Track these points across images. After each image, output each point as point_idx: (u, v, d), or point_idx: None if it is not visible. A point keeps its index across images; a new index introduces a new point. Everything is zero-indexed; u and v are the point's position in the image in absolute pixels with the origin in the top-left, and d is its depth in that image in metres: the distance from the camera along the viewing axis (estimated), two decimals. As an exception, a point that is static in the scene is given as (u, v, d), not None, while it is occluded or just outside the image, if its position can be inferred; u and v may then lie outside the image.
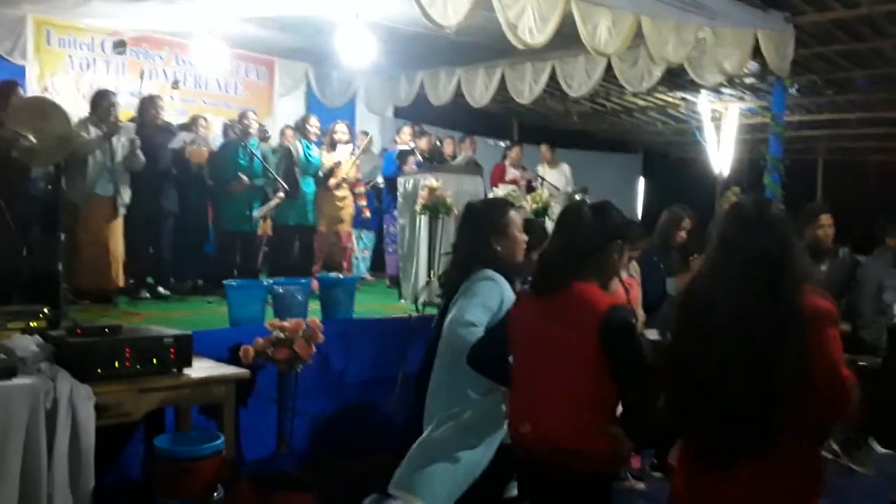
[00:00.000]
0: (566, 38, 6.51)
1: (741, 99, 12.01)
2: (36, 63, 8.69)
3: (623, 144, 17.17)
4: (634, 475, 5.46)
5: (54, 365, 3.75)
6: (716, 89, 11.02)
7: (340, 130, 8.41)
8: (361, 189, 8.84)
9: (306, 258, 8.07)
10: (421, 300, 6.50)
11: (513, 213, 3.73)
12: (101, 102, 6.91)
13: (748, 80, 10.68)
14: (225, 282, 5.84)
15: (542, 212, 7.71)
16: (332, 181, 8.14)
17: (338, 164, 8.15)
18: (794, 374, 2.28)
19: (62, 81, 8.90)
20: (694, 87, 10.55)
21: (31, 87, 8.51)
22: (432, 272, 6.68)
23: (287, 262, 7.80)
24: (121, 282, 6.90)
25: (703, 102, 12.05)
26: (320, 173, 8.10)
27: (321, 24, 7.56)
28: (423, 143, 8.86)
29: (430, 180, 6.81)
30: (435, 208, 6.73)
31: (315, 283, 6.44)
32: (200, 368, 4.22)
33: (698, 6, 6.99)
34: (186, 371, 4.10)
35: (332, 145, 8.35)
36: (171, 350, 4.03)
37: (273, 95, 10.64)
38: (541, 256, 3.07)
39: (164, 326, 4.48)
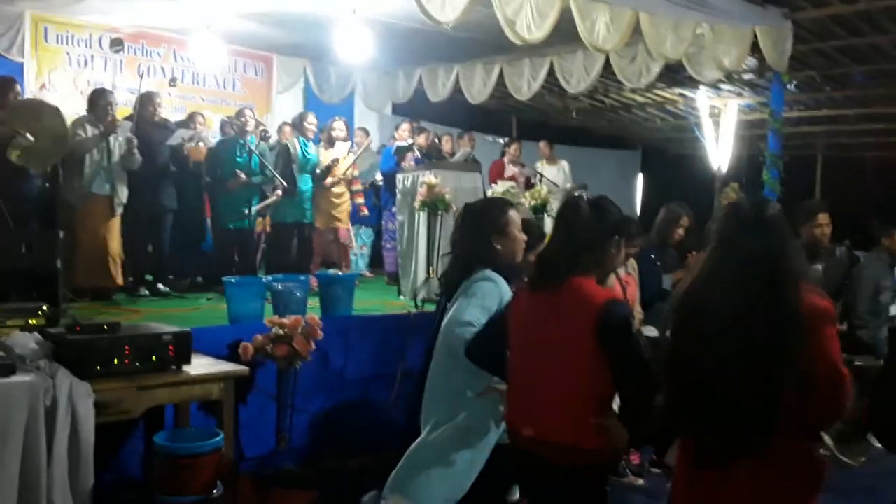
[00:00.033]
0: (564, 34, 6.50)
1: (739, 95, 12.01)
2: (34, 60, 8.68)
3: (621, 141, 17.17)
4: (634, 472, 5.47)
5: (53, 362, 3.74)
6: (714, 85, 11.02)
7: (338, 127, 8.40)
8: (358, 187, 8.83)
9: (304, 256, 8.06)
10: (420, 297, 6.50)
11: (512, 213, 3.74)
12: (99, 101, 6.90)
13: (746, 77, 10.68)
14: (224, 279, 5.83)
15: (541, 208, 7.71)
16: (329, 180, 8.12)
17: (335, 162, 8.13)
18: (795, 374, 2.29)
19: (60, 78, 8.89)
20: (692, 83, 10.55)
21: (29, 84, 8.51)
22: (431, 269, 6.67)
23: (285, 260, 7.79)
24: (119, 280, 6.90)
25: (702, 99, 12.05)
26: (317, 171, 8.09)
27: (319, 20, 7.55)
28: (421, 139, 8.85)
29: (429, 177, 6.80)
30: (434, 205, 6.72)
31: (314, 280, 6.44)
32: (199, 365, 4.22)
33: (696, 2, 6.98)
34: (185, 368, 4.09)
35: (330, 142, 8.34)
36: (171, 347, 4.02)
37: (271, 92, 10.63)
38: (540, 253, 3.07)
39: (163, 323, 4.48)
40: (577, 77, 9.06)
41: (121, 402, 3.83)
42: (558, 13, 6.12)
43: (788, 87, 9.88)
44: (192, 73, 9.83)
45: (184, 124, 8.05)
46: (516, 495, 3.76)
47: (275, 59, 10.50)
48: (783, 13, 7.92)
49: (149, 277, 7.39)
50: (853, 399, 2.39)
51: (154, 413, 4.43)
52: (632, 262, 5.24)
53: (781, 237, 2.48)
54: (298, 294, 5.58)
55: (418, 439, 3.66)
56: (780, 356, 2.30)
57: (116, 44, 7.74)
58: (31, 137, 6.03)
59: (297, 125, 8.30)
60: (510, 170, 9.52)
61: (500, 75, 9.84)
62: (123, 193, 6.89)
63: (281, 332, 4.90)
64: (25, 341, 3.82)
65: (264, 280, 5.99)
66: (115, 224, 6.87)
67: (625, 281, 5.02)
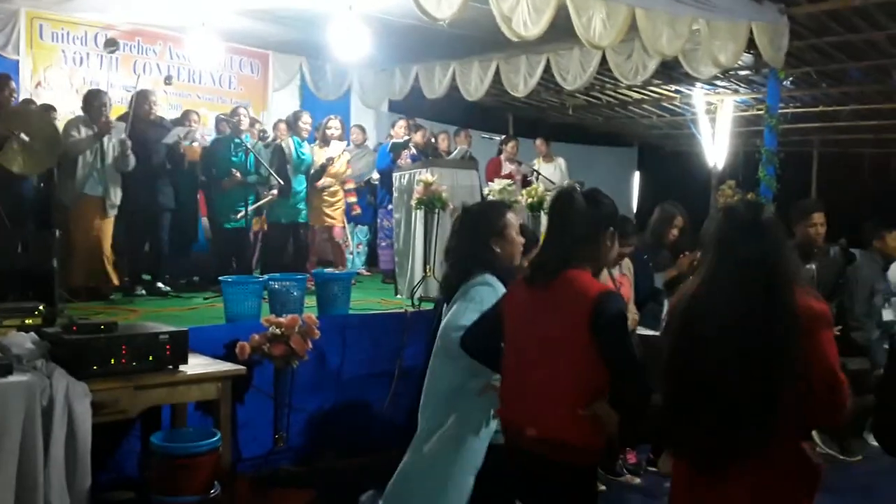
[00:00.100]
0: (560, 30, 6.50)
1: (736, 91, 12.01)
2: (29, 58, 8.66)
3: (618, 138, 17.17)
4: (631, 471, 5.48)
5: (50, 362, 3.74)
6: (710, 82, 11.02)
7: (333, 126, 8.38)
8: (351, 185, 8.80)
9: (300, 255, 8.05)
10: (417, 295, 6.49)
11: (510, 216, 3.73)
12: (93, 102, 6.88)
13: (742, 73, 10.68)
14: (221, 278, 5.83)
15: (538, 206, 7.69)
16: (322, 181, 8.10)
17: (330, 161, 8.11)
18: (793, 374, 2.29)
19: (55, 76, 8.87)
20: (688, 79, 10.55)
21: (25, 82, 8.49)
22: (428, 267, 6.67)
23: (281, 260, 7.78)
24: (114, 280, 6.88)
25: (698, 95, 12.05)
26: (312, 170, 8.07)
27: (315, 16, 7.53)
28: (418, 137, 8.84)
29: (426, 175, 6.79)
30: (430, 203, 6.71)
31: (310, 280, 6.42)
32: (196, 365, 4.21)
33: (693, -2, 6.99)
34: (182, 368, 4.09)
35: (325, 141, 8.33)
36: (167, 347, 4.02)
37: (267, 89, 10.60)
38: (530, 240, 3.07)
39: (159, 323, 4.48)
40: (574, 74, 9.05)
41: (117, 401, 3.83)
42: (554, 10, 6.12)
43: (784, 83, 9.88)
44: (188, 71, 9.81)
45: (179, 122, 8.03)
46: None
47: (271, 56, 10.47)
48: (779, 9, 7.91)
49: (146, 277, 7.38)
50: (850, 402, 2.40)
51: (151, 413, 4.44)
52: (626, 262, 5.23)
53: (777, 240, 2.50)
54: (295, 293, 5.57)
55: (412, 445, 3.63)
56: (779, 357, 2.31)
57: (111, 44, 7.71)
58: (25, 137, 6.03)
59: (292, 125, 8.28)
60: (507, 167, 9.50)
61: (497, 72, 9.83)
62: (116, 195, 6.87)
63: (278, 331, 4.90)
64: (22, 341, 3.81)
65: (261, 279, 5.98)
66: (108, 225, 6.86)
67: (619, 281, 5.02)
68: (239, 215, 7.54)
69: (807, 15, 8.19)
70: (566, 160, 10.37)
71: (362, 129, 10.17)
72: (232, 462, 4.61)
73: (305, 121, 8.10)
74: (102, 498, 4.31)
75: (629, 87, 11.92)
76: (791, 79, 10.36)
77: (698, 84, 11.32)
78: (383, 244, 8.89)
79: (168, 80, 8.52)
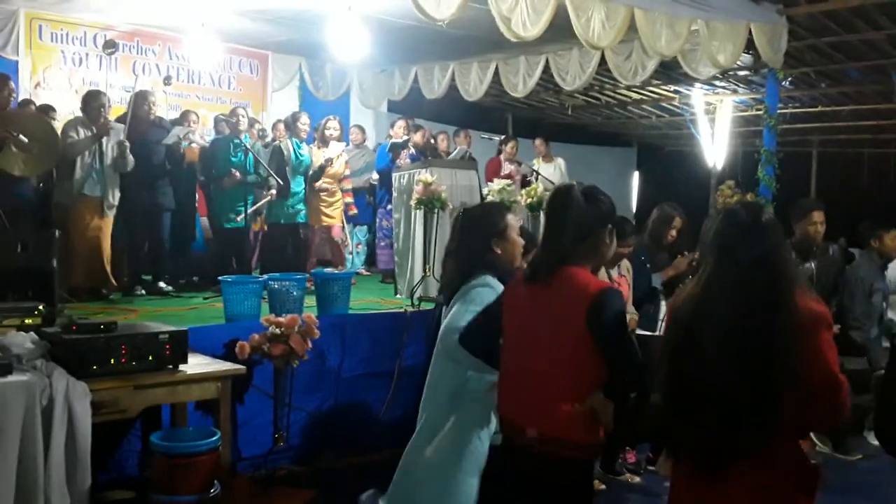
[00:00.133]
0: (560, 30, 6.51)
1: (735, 92, 12.02)
2: (28, 58, 8.68)
3: (617, 138, 17.19)
4: (630, 470, 5.48)
5: (50, 362, 3.74)
6: (709, 82, 11.03)
7: (332, 127, 8.37)
8: (347, 185, 8.81)
9: (300, 255, 8.05)
10: (417, 295, 6.49)
11: (511, 217, 3.73)
12: (92, 103, 6.88)
13: (741, 73, 10.69)
14: (220, 278, 5.83)
15: (537, 206, 7.69)
16: (320, 183, 8.10)
17: (329, 162, 8.11)
18: (793, 376, 2.30)
19: (54, 76, 8.89)
20: (687, 79, 10.57)
21: (24, 82, 8.51)
22: (428, 267, 6.67)
23: (280, 261, 7.78)
24: (113, 280, 6.89)
25: (697, 95, 12.06)
26: (311, 171, 8.07)
27: (314, 17, 7.54)
28: (417, 137, 8.84)
29: (425, 175, 6.79)
30: (430, 203, 6.71)
31: (310, 279, 6.43)
32: (196, 365, 4.22)
33: (691, -1, 7.00)
34: (182, 367, 4.09)
35: (324, 141, 8.32)
36: (167, 346, 4.02)
37: (267, 90, 10.62)
38: (529, 242, 3.07)
39: (159, 323, 4.48)
40: (573, 74, 9.07)
41: (117, 401, 3.83)
42: (553, 10, 6.12)
43: (783, 83, 9.89)
44: (188, 71, 9.83)
45: (178, 123, 8.03)
46: None
47: (270, 56, 10.48)
48: (778, 9, 7.93)
49: (146, 277, 7.38)
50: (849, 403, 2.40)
51: (151, 412, 4.44)
52: (625, 263, 5.22)
53: (777, 242, 2.51)
54: (295, 293, 5.57)
55: (412, 448, 3.62)
56: (779, 357, 2.32)
57: (110, 46, 7.71)
58: (24, 139, 6.04)
59: (290, 126, 8.27)
60: (507, 168, 9.51)
61: (496, 72, 9.85)
62: (115, 196, 6.88)
63: (277, 330, 4.90)
64: (22, 341, 3.81)
65: (261, 279, 5.98)
66: (107, 225, 6.86)
67: (617, 282, 5.02)
68: (239, 216, 7.54)
69: (805, 15, 8.21)
70: (565, 160, 10.38)
71: (362, 130, 10.17)
72: (232, 461, 4.62)
73: (304, 122, 8.09)
74: (102, 497, 4.32)
75: (628, 88, 11.94)
76: (790, 79, 10.37)
77: (697, 84, 11.34)
78: (382, 244, 8.89)
79: (167, 81, 8.52)
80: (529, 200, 7.78)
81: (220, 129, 8.37)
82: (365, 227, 9.76)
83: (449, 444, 3.49)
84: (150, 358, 3.97)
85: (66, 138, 6.67)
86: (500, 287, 3.47)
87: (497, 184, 7.72)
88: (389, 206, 8.43)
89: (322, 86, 10.73)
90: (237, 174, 7.53)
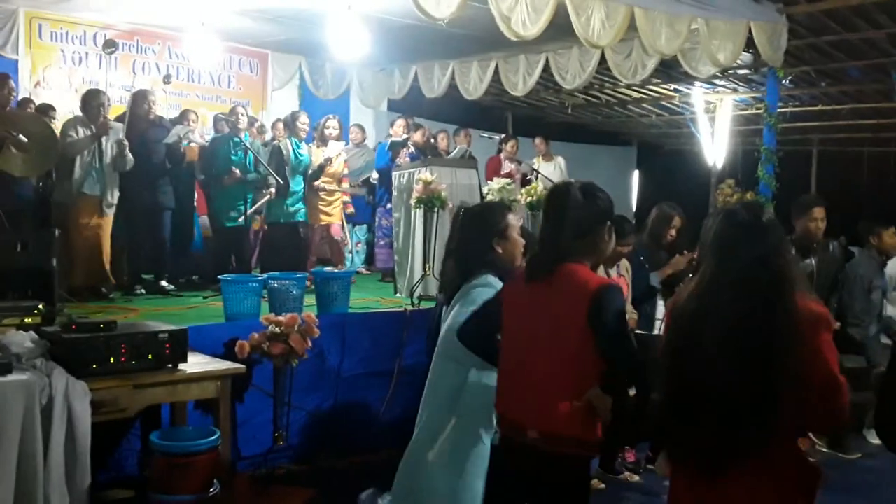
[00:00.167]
0: (560, 29, 6.51)
1: (734, 91, 12.02)
2: (28, 57, 8.69)
3: (617, 137, 17.20)
4: (630, 469, 5.48)
5: (50, 361, 3.74)
6: (709, 81, 11.03)
7: (331, 126, 8.36)
8: (346, 185, 8.81)
9: (300, 254, 8.04)
10: (417, 294, 6.49)
11: (511, 217, 3.74)
12: (91, 102, 6.87)
13: (741, 72, 10.69)
14: (220, 277, 5.83)
15: (537, 205, 7.69)
16: (319, 182, 8.10)
17: (328, 161, 8.10)
18: (793, 376, 2.30)
19: (54, 75, 8.89)
20: (687, 78, 10.57)
21: (24, 82, 8.51)
22: (428, 266, 6.67)
23: (280, 259, 7.77)
24: (113, 279, 6.89)
25: (697, 94, 12.06)
26: (310, 171, 8.06)
27: (314, 16, 7.54)
28: (417, 136, 8.84)
29: (425, 174, 6.79)
30: (430, 202, 6.71)
31: (310, 278, 6.42)
32: (196, 364, 4.22)
33: (691, -3, 7.00)
34: (182, 366, 4.09)
35: (323, 140, 8.31)
36: (167, 345, 4.02)
37: (266, 89, 10.61)
38: (529, 242, 3.07)
39: (159, 322, 4.48)
40: (573, 73, 9.07)
41: (117, 400, 3.83)
42: (553, 9, 6.12)
43: (783, 82, 9.89)
44: (187, 70, 9.83)
45: (177, 122, 8.03)
46: None
47: (270, 55, 10.48)
48: (777, 8, 7.92)
49: (146, 276, 7.38)
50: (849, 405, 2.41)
51: (150, 411, 4.44)
52: (624, 263, 5.21)
53: (778, 242, 2.51)
54: (295, 292, 5.57)
55: (413, 451, 3.62)
56: (780, 357, 2.32)
57: (109, 45, 7.71)
58: (24, 139, 6.03)
59: (290, 125, 8.26)
60: (507, 166, 9.51)
61: (496, 71, 9.85)
62: (114, 194, 6.88)
63: (277, 329, 4.90)
64: (21, 340, 3.81)
65: (260, 278, 5.98)
66: (107, 224, 6.86)
67: (615, 282, 5.01)
68: (239, 215, 7.54)
69: (805, 14, 8.21)
70: (565, 159, 10.38)
71: (361, 129, 10.16)
72: (231, 461, 4.62)
73: (303, 121, 8.08)
74: (102, 496, 4.32)
75: (628, 87, 11.94)
76: (790, 78, 10.37)
77: (697, 83, 11.33)
78: (381, 243, 8.89)
79: (167, 80, 8.52)
80: (529, 199, 7.79)
81: (220, 128, 8.36)
82: (364, 226, 9.76)
83: (452, 446, 3.48)
84: (150, 357, 3.97)
85: (66, 137, 6.67)
86: (500, 286, 3.48)
87: (497, 182, 7.72)
88: (389, 205, 8.43)
89: (322, 85, 10.73)
90: (237, 172, 7.53)
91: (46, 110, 7.74)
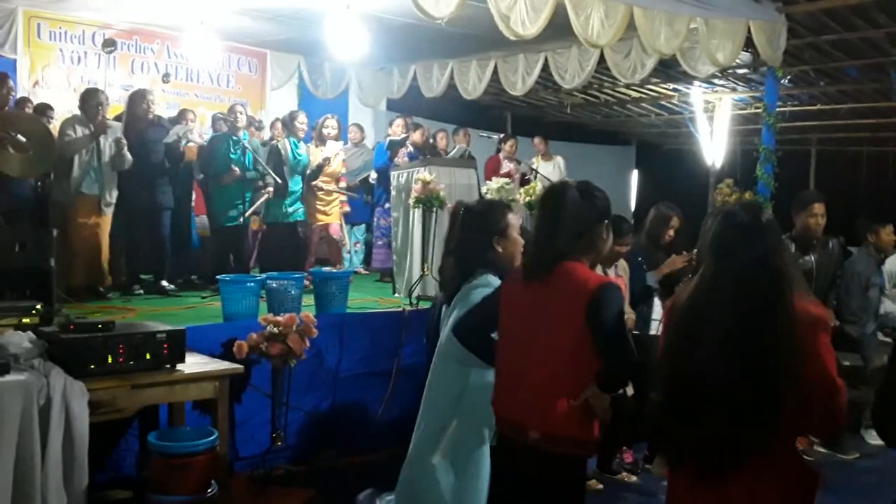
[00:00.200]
0: (558, 29, 6.50)
1: (734, 90, 12.02)
2: (27, 57, 8.67)
3: (616, 136, 17.20)
4: (628, 469, 5.48)
5: (47, 361, 3.73)
6: (708, 80, 11.03)
7: (330, 125, 8.34)
8: (343, 184, 8.80)
9: (298, 254, 8.04)
10: (415, 294, 6.49)
11: (512, 216, 3.74)
12: (90, 101, 6.87)
13: (740, 71, 10.69)
14: (218, 277, 5.82)
15: (536, 205, 7.67)
16: (318, 182, 8.09)
17: (327, 161, 8.09)
18: (793, 376, 2.31)
19: (53, 75, 8.88)
20: (686, 78, 10.56)
21: (22, 81, 8.50)
22: (426, 266, 6.66)
23: (279, 259, 7.77)
24: (111, 279, 6.88)
25: (696, 93, 12.06)
26: (308, 170, 8.05)
27: (313, 15, 7.52)
28: (417, 136, 8.83)
29: (424, 173, 6.78)
30: (429, 202, 6.70)
31: (308, 278, 6.42)
32: (194, 364, 4.21)
33: (690, -3, 7.00)
34: (180, 367, 4.09)
35: (322, 140, 8.30)
36: (165, 346, 4.01)
37: (265, 88, 10.60)
38: (529, 241, 3.07)
39: (157, 322, 4.47)
40: (572, 72, 9.07)
41: (115, 400, 3.82)
42: (552, 8, 6.12)
43: (782, 81, 9.90)
44: (186, 70, 9.82)
45: (175, 121, 8.02)
46: None
47: (269, 55, 10.47)
48: (777, 7, 7.92)
49: (144, 276, 7.37)
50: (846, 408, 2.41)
51: (148, 412, 4.44)
52: (622, 263, 5.20)
53: (777, 242, 2.52)
54: (293, 292, 5.57)
55: (416, 454, 3.61)
56: (780, 357, 2.32)
57: (109, 44, 7.72)
58: (22, 138, 6.02)
59: (288, 125, 8.25)
60: (506, 166, 9.51)
61: (495, 71, 9.85)
62: (112, 194, 6.87)
63: (275, 330, 4.90)
64: (19, 340, 3.81)
65: (259, 278, 5.98)
66: (106, 223, 6.86)
67: (615, 281, 5.00)
68: (238, 214, 7.53)
69: (804, 13, 8.20)
70: (564, 159, 10.38)
71: (360, 128, 10.14)
72: (229, 461, 4.62)
73: (301, 121, 8.07)
74: (100, 497, 4.31)
75: (627, 86, 11.93)
76: (789, 77, 10.38)
77: (696, 82, 11.33)
78: (379, 243, 8.89)
79: (166, 78, 8.52)
80: (528, 199, 7.78)
81: (218, 127, 8.35)
82: (363, 226, 9.75)
83: (455, 448, 3.48)
84: (148, 357, 3.96)
85: (64, 136, 6.67)
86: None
87: (496, 182, 7.72)
88: (387, 205, 8.43)
89: (321, 84, 10.72)
90: (237, 170, 7.53)
91: (44, 110, 7.73)
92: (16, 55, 8.55)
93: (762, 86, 9.94)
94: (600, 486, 5.22)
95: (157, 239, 7.28)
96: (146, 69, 9.39)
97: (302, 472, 5.27)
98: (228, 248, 7.72)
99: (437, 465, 3.49)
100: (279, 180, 7.65)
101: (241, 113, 7.88)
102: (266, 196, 7.81)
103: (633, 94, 12.94)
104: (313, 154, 8.13)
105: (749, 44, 7.89)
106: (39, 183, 6.93)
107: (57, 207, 6.69)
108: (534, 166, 9.64)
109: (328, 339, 5.52)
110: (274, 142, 8.37)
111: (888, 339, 6.36)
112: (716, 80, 11.38)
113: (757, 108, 11.42)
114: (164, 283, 7.22)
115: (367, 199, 9.53)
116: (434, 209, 6.71)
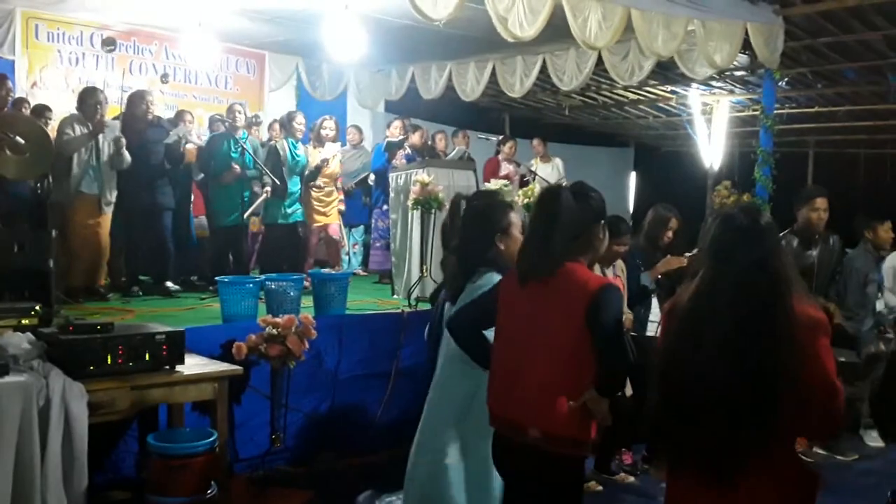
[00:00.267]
0: (557, 31, 6.51)
1: (731, 92, 12.03)
2: (25, 57, 8.65)
3: (614, 138, 17.20)
4: (626, 470, 5.48)
5: (46, 362, 3.74)
6: (706, 82, 11.04)
7: (328, 127, 8.32)
8: (339, 184, 8.79)
9: (297, 255, 8.04)
10: (414, 296, 6.49)
11: (513, 214, 3.74)
12: (88, 100, 6.87)
13: (738, 73, 10.70)
14: (217, 278, 5.82)
15: (534, 206, 7.69)
16: (318, 181, 8.09)
17: (325, 162, 8.09)
18: (793, 378, 2.31)
19: (51, 76, 8.87)
20: (684, 80, 10.57)
21: (20, 82, 8.49)
22: (425, 268, 6.66)
23: (279, 261, 7.78)
24: (110, 280, 6.88)
25: (694, 96, 12.07)
26: (307, 171, 8.05)
27: (311, 16, 7.53)
28: (416, 137, 8.84)
29: (422, 175, 6.79)
30: (427, 203, 6.71)
31: (307, 280, 6.42)
32: (193, 365, 4.21)
33: (688, -1, 7.01)
34: (179, 368, 4.09)
35: (320, 141, 8.30)
36: (164, 347, 4.02)
37: (263, 90, 10.59)
38: (524, 244, 3.07)
39: (156, 323, 4.48)
40: (570, 74, 9.08)
41: (114, 401, 3.82)
42: (550, 10, 6.12)
43: (780, 83, 9.91)
44: (184, 71, 9.81)
45: (173, 123, 8.02)
46: None
47: (267, 56, 10.46)
48: (774, 10, 7.93)
49: (143, 277, 7.37)
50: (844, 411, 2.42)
51: (147, 413, 4.44)
52: (619, 264, 5.21)
53: (775, 245, 2.53)
54: (292, 293, 5.57)
55: (427, 456, 3.60)
56: (780, 358, 2.33)
57: (109, 43, 7.71)
58: (21, 140, 6.02)
59: (286, 125, 8.25)
60: (505, 168, 9.52)
61: (493, 73, 9.86)
62: (112, 193, 6.88)
63: (274, 331, 4.90)
64: (18, 341, 3.81)
65: (257, 279, 5.98)
66: (105, 223, 6.85)
67: (615, 283, 5.00)
68: (237, 214, 7.53)
69: (802, 16, 8.21)
70: (563, 160, 10.39)
71: (359, 130, 10.14)
72: (229, 462, 4.61)
73: (299, 121, 8.08)
74: (99, 498, 4.31)
75: (625, 88, 11.94)
76: (786, 79, 10.39)
77: (694, 84, 11.34)
78: (377, 245, 8.89)
79: (165, 79, 8.51)
80: (526, 201, 7.79)
81: (216, 128, 8.36)
82: (361, 228, 9.75)
83: (469, 449, 3.49)
84: (147, 358, 3.96)
85: (63, 135, 6.67)
86: None
87: (495, 184, 7.72)
88: (385, 207, 8.43)
89: (319, 86, 10.72)
90: (237, 168, 7.53)
91: (42, 111, 7.72)
92: (14, 56, 8.53)
93: (759, 88, 9.96)
94: (600, 488, 5.22)
95: (159, 240, 7.27)
96: (144, 70, 9.39)
97: (301, 474, 5.27)
98: (227, 248, 7.72)
99: (453, 466, 3.50)
100: (278, 182, 7.65)
101: (239, 112, 7.89)
102: (264, 196, 7.81)
103: (631, 96, 12.96)
104: (311, 155, 8.12)
105: (746, 46, 7.90)
106: (38, 184, 6.92)
107: (56, 207, 6.67)
108: (532, 168, 9.65)
109: (327, 341, 5.52)
110: (272, 143, 8.38)
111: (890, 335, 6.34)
112: (713, 83, 11.40)
113: (754, 110, 11.44)
114: (169, 283, 7.21)
115: (366, 201, 9.54)
116: (433, 211, 6.71)
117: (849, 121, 12.81)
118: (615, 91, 12.57)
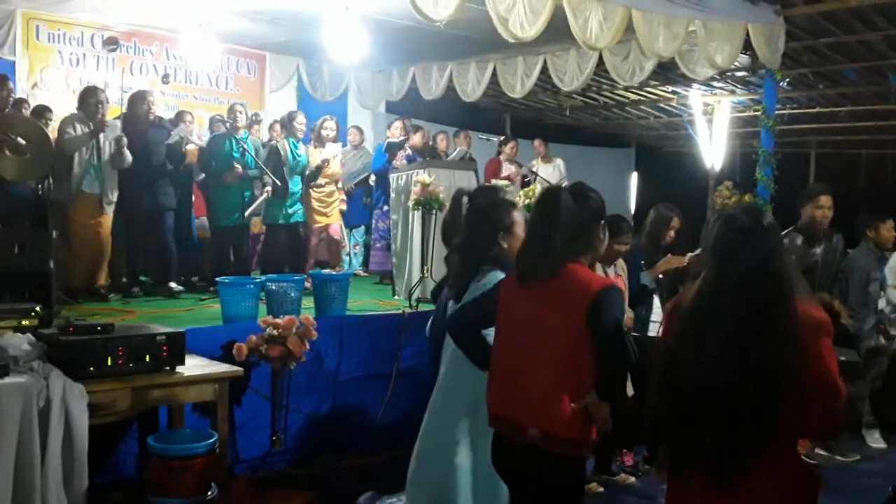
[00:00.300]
0: (557, 31, 6.51)
1: (732, 93, 12.02)
2: (25, 58, 8.66)
3: (615, 139, 17.20)
4: (627, 471, 5.47)
5: (47, 363, 3.73)
6: (707, 83, 11.04)
7: (329, 127, 8.32)
8: (339, 185, 8.79)
9: (298, 256, 8.04)
10: (415, 296, 6.48)
11: (516, 213, 3.74)
12: (89, 99, 6.87)
13: (739, 74, 10.69)
14: (218, 279, 5.82)
15: (535, 207, 7.68)
16: (320, 181, 8.09)
17: (325, 162, 8.09)
18: (794, 378, 2.31)
19: (52, 77, 8.87)
20: (685, 80, 10.56)
21: (21, 83, 8.49)
22: (426, 268, 6.66)
23: (279, 262, 7.77)
24: (111, 280, 6.88)
25: (695, 96, 12.05)
26: (307, 172, 8.05)
27: (312, 17, 7.53)
28: (417, 138, 8.83)
29: (423, 176, 6.78)
30: (428, 204, 6.70)
31: (308, 280, 6.42)
32: (193, 366, 4.21)
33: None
34: (179, 369, 4.09)
35: (320, 141, 8.29)
36: (164, 348, 4.01)
37: (264, 90, 10.59)
38: (524, 245, 3.07)
39: (156, 324, 4.47)
40: (571, 75, 9.07)
41: (114, 403, 3.82)
42: (551, 11, 6.12)
43: (781, 84, 9.90)
44: (185, 72, 9.81)
45: (174, 123, 8.02)
46: None
47: (268, 57, 10.45)
48: (775, 10, 7.92)
49: (144, 278, 7.36)
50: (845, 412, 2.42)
51: (148, 414, 4.43)
52: (620, 263, 5.20)
53: (777, 245, 2.53)
54: (292, 294, 5.57)
55: (437, 455, 3.60)
56: (782, 358, 2.32)
57: (111, 42, 7.72)
58: (22, 141, 6.02)
59: (287, 125, 8.25)
60: (506, 169, 9.51)
61: (494, 73, 9.84)
62: (113, 192, 6.87)
63: (275, 332, 4.89)
64: (18, 342, 3.81)
65: (258, 280, 5.97)
66: (107, 222, 6.85)
67: (616, 284, 4.99)
68: (238, 214, 7.53)
69: (803, 16, 8.21)
70: (564, 161, 10.38)
71: (360, 130, 10.13)
72: (229, 464, 4.61)
73: (300, 121, 8.07)
74: (99, 499, 4.30)
75: (626, 88, 11.94)
76: (787, 80, 10.38)
77: (695, 85, 11.33)
78: (377, 245, 8.88)
79: (166, 79, 8.50)
80: (527, 201, 7.78)
81: (216, 128, 8.36)
82: (362, 228, 9.74)
83: (478, 448, 3.47)
84: (148, 359, 3.96)
85: (64, 134, 6.67)
86: None
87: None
88: (386, 207, 8.42)
89: (320, 86, 10.71)
90: (239, 168, 7.53)
91: (43, 112, 7.72)
92: (14, 57, 8.53)
93: (761, 88, 9.95)
94: (601, 490, 5.21)
95: (160, 240, 7.27)
96: (145, 71, 9.39)
97: (302, 475, 5.26)
98: (229, 248, 7.72)
99: (462, 470, 3.50)
100: (279, 182, 7.65)
101: (240, 112, 7.88)
102: (265, 196, 7.81)
103: (632, 96, 12.95)
104: (312, 155, 8.12)
105: (747, 46, 7.89)
106: (39, 184, 6.92)
107: (57, 207, 6.66)
108: (534, 169, 9.64)
109: (328, 342, 5.51)
110: (273, 143, 8.37)
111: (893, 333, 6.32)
112: (714, 83, 11.38)
113: (756, 110, 11.42)
114: (172, 284, 7.20)
115: (367, 202, 9.53)
116: (433, 211, 6.70)
117: (850, 121, 12.80)
118: (616, 91, 12.57)
